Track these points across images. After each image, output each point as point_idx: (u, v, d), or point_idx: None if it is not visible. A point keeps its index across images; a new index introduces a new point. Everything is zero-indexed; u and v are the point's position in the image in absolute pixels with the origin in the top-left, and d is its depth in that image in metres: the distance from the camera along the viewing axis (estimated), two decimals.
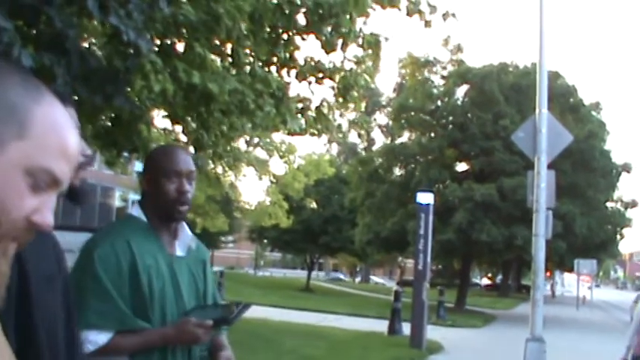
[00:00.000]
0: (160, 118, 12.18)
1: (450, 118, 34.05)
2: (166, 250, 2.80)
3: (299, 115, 9.18)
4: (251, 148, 12.38)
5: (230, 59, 8.17)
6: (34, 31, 5.29)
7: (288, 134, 10.05)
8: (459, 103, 34.49)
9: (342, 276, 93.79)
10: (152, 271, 2.70)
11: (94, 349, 2.57)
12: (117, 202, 60.13)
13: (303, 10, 8.16)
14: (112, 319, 2.60)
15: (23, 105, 1.07)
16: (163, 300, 2.72)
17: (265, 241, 57.01)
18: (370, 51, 9.11)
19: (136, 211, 2.84)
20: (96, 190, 58.44)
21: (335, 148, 68.06)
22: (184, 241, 2.90)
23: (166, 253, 2.80)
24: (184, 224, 2.91)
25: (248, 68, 8.31)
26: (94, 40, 7.66)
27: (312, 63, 8.90)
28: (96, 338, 2.59)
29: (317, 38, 8.38)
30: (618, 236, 35.77)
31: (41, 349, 1.51)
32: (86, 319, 2.53)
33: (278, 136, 14.16)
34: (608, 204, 34.98)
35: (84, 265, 2.67)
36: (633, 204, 36.14)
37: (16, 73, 1.11)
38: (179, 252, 2.86)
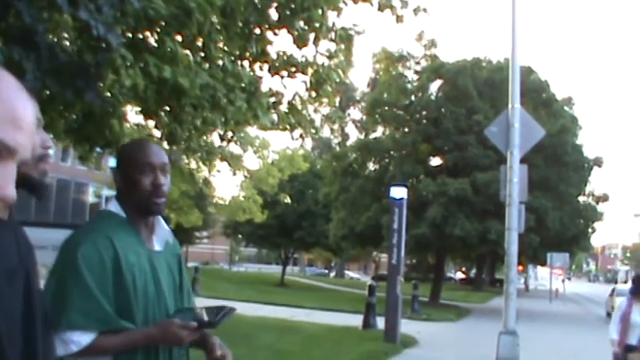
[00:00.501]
0: (133, 114, 12.13)
1: (424, 113, 34.14)
2: (146, 246, 2.78)
3: (271, 110, 9.17)
4: (224, 143, 12.30)
5: (202, 54, 8.15)
6: (3, 25, 5.24)
7: (260, 129, 10.04)
8: (432, 98, 34.59)
9: (326, 270, 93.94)
10: (135, 268, 2.67)
11: (77, 349, 2.53)
12: (91, 198, 59.74)
13: (275, 4, 8.16)
14: (96, 320, 2.56)
15: None
16: (146, 296, 2.70)
17: (240, 236, 56.95)
18: (342, 46, 9.12)
19: (114, 207, 2.80)
20: (69, 186, 58.10)
21: (309, 143, 68.11)
22: (162, 235, 2.87)
23: (146, 249, 2.77)
24: (160, 218, 2.88)
25: (220, 63, 8.29)
26: (65, 35, 7.60)
27: (285, 57, 8.89)
28: (79, 339, 2.54)
29: (289, 33, 8.37)
30: (590, 230, 36.03)
31: (2, 347, 1.46)
32: (69, 319, 2.51)
33: (252, 131, 14.12)
34: (580, 198, 35.20)
35: (67, 263, 2.61)
36: (604, 198, 36.42)
37: None
38: (157, 247, 2.84)
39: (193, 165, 17.98)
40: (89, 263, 2.57)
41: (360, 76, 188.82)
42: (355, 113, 68.54)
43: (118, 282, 2.61)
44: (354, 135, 60.01)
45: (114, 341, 2.59)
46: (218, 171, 21.20)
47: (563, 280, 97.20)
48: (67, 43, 7.06)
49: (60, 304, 2.52)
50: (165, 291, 2.79)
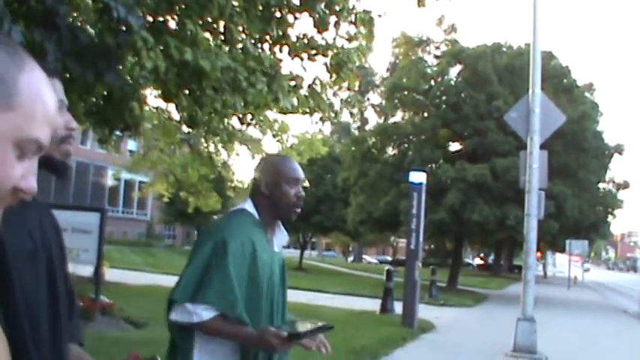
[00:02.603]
0: (152, 97, 12.14)
1: (444, 98, 33.98)
2: (271, 246, 3.19)
3: (291, 93, 9.15)
4: (244, 127, 12.29)
5: (222, 37, 8.13)
6: (25, 8, 5.25)
7: (280, 112, 10.02)
8: (452, 83, 34.40)
9: (335, 253, 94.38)
10: (266, 267, 3.08)
11: (197, 321, 2.93)
12: (109, 181, 60.00)
13: None
14: (225, 302, 2.92)
15: (10, 76, 1.07)
16: (272, 292, 3.12)
17: None
18: (363, 29, 9.07)
19: (250, 207, 3.17)
20: (89, 169, 58.38)
21: (328, 128, 68.03)
22: (281, 239, 3.28)
23: (272, 250, 3.18)
24: (281, 223, 3.27)
25: (240, 46, 8.27)
26: (84, 18, 7.60)
27: (305, 40, 8.85)
28: (203, 312, 2.92)
29: (310, 16, 8.33)
30: (610, 217, 35.79)
31: (23, 327, 1.48)
32: (204, 294, 2.92)
33: (271, 115, 14.07)
34: (600, 185, 34.98)
35: (216, 253, 2.98)
36: (625, 185, 36.19)
37: (1, 43, 1.09)
38: (276, 248, 3.24)
39: (212, 149, 17.98)
40: (235, 258, 2.96)
41: (380, 60, 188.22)
42: (374, 98, 68.41)
43: (253, 277, 3.02)
44: (373, 119, 59.96)
45: (224, 327, 2.95)
46: (237, 154, 21.19)
47: (585, 270, 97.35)
48: (88, 27, 7.07)
49: (201, 280, 2.95)
50: (279, 285, 3.22)
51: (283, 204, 3.13)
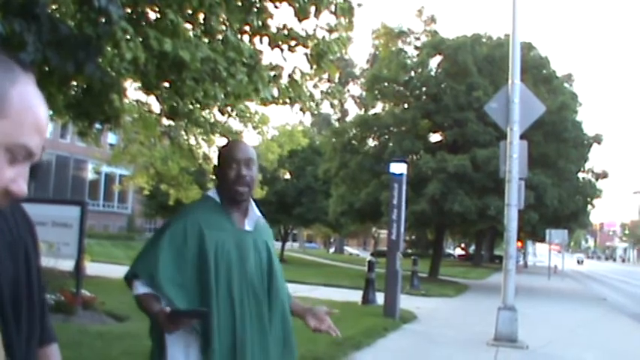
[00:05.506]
0: (132, 90, 12.08)
1: (424, 89, 34.02)
2: (235, 225, 3.31)
3: (271, 84, 9.13)
4: (225, 117, 12.27)
5: (202, 27, 8.10)
6: None
7: (261, 103, 10.00)
8: (432, 74, 34.44)
9: (315, 245, 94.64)
10: (219, 239, 3.20)
11: (134, 294, 3.17)
12: (90, 175, 59.71)
13: None
14: (147, 274, 3.14)
15: (3, 88, 1.16)
16: (229, 262, 3.19)
17: None
18: (343, 19, 9.06)
19: (212, 193, 3.40)
20: (69, 163, 58.06)
21: (308, 119, 68.00)
22: (252, 218, 3.40)
23: (235, 228, 3.31)
24: (253, 205, 3.42)
25: (220, 36, 8.25)
26: (64, 10, 7.55)
27: (285, 31, 8.83)
28: (139, 288, 3.15)
29: (290, 5, 8.32)
30: (589, 207, 36.03)
31: (6, 313, 1.50)
32: (133, 266, 3.22)
33: (251, 107, 14.06)
34: (580, 175, 35.19)
35: (158, 232, 3.31)
36: (604, 175, 36.40)
37: None
38: (247, 227, 3.37)
39: (192, 141, 17.94)
40: (173, 237, 3.18)
41: (360, 52, 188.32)
42: (355, 89, 68.54)
43: (200, 255, 3.16)
44: (353, 111, 60.02)
45: (147, 303, 3.11)
46: (217, 147, 21.14)
47: (579, 262, 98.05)
48: (67, 19, 7.01)
49: (138, 255, 3.26)
50: (251, 261, 3.29)
51: (226, 185, 3.30)
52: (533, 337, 13.61)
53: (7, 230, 1.57)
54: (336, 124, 51.96)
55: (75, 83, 8.48)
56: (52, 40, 5.23)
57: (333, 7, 8.72)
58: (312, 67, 9.33)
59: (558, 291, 33.77)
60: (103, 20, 5.76)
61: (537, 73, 32.60)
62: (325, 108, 66.15)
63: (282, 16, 10.14)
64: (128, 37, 6.36)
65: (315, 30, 9.10)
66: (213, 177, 3.52)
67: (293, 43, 8.89)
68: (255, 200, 3.52)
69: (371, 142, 35.56)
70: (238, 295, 3.18)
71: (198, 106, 9.29)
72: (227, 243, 3.22)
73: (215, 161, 3.52)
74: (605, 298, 30.65)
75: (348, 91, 67.29)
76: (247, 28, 8.64)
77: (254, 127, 17.11)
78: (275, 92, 9.28)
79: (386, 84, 34.52)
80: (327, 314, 3.54)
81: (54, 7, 6.95)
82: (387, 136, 34.80)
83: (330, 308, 3.58)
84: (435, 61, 34.73)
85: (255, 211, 3.42)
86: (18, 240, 1.60)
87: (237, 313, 3.15)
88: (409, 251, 52.90)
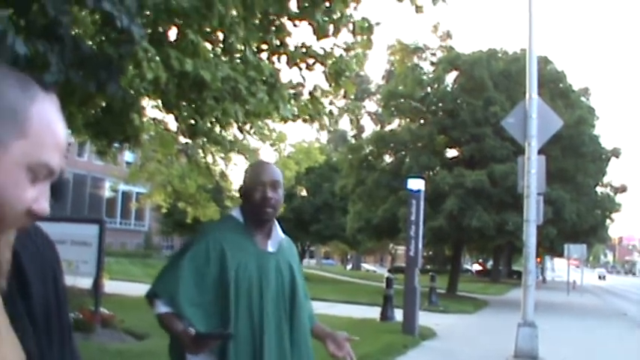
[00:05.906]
0: (149, 108, 12.14)
1: (440, 104, 34.00)
2: (258, 247, 3.32)
3: (291, 102, 9.15)
4: (243, 135, 12.33)
5: (222, 46, 8.14)
6: (26, 19, 5.27)
7: (281, 121, 10.02)
8: (448, 89, 34.42)
9: (332, 261, 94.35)
10: (241, 262, 3.21)
11: (156, 313, 3.20)
12: (107, 193, 59.91)
13: None
14: (167, 295, 3.16)
15: (22, 106, 1.17)
16: (250, 284, 3.20)
17: None
18: (360, 38, 9.07)
19: (235, 213, 3.44)
20: (86, 181, 58.33)
21: (325, 136, 68.05)
22: (275, 239, 3.40)
23: (258, 249, 3.31)
24: (277, 226, 3.43)
25: (239, 55, 8.28)
26: (83, 31, 7.62)
27: (303, 49, 8.86)
28: (161, 307, 3.17)
29: (309, 24, 8.34)
30: (608, 221, 35.81)
31: (40, 339, 1.51)
32: (154, 286, 3.25)
33: (269, 124, 14.12)
34: (598, 189, 35.01)
35: (181, 250, 3.33)
36: (622, 189, 36.22)
37: (11, 74, 1.20)
38: (270, 249, 3.36)
39: (210, 159, 18.00)
40: (195, 257, 3.20)
41: (375, 68, 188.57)
42: (371, 105, 68.50)
43: (222, 272, 3.17)
44: (369, 127, 59.98)
45: (170, 323, 3.14)
46: (235, 165, 21.17)
47: (601, 277, 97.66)
48: (86, 39, 7.08)
49: (159, 274, 3.31)
50: (272, 284, 3.28)
51: (252, 206, 3.31)
52: (553, 354, 13.51)
53: (35, 251, 1.58)
54: (353, 141, 51.97)
55: (95, 102, 8.53)
56: (74, 61, 5.28)
57: (351, 26, 8.75)
58: (330, 85, 9.35)
59: (578, 306, 33.52)
60: (125, 40, 5.80)
61: (554, 87, 32.53)
62: (342, 125, 66.29)
63: (300, 35, 10.21)
64: (149, 57, 6.40)
65: (332, 48, 9.14)
66: (238, 196, 3.55)
67: (311, 61, 8.92)
68: (279, 221, 3.53)
69: (387, 159, 35.53)
70: (258, 317, 3.18)
71: (218, 124, 9.32)
72: (249, 264, 3.23)
73: (235, 179, 3.52)
74: (626, 313, 30.38)
75: (364, 107, 67.28)
76: (265, 46, 8.68)
77: (271, 145, 17.15)
78: (295, 110, 9.31)
79: (402, 100, 34.51)
80: (346, 340, 3.47)
81: (74, 27, 7.01)
82: (403, 152, 34.75)
83: (350, 335, 3.52)
84: (451, 77, 34.73)
85: (278, 232, 3.43)
86: (45, 260, 1.61)
87: (256, 336, 3.15)
88: (427, 267, 52.76)
